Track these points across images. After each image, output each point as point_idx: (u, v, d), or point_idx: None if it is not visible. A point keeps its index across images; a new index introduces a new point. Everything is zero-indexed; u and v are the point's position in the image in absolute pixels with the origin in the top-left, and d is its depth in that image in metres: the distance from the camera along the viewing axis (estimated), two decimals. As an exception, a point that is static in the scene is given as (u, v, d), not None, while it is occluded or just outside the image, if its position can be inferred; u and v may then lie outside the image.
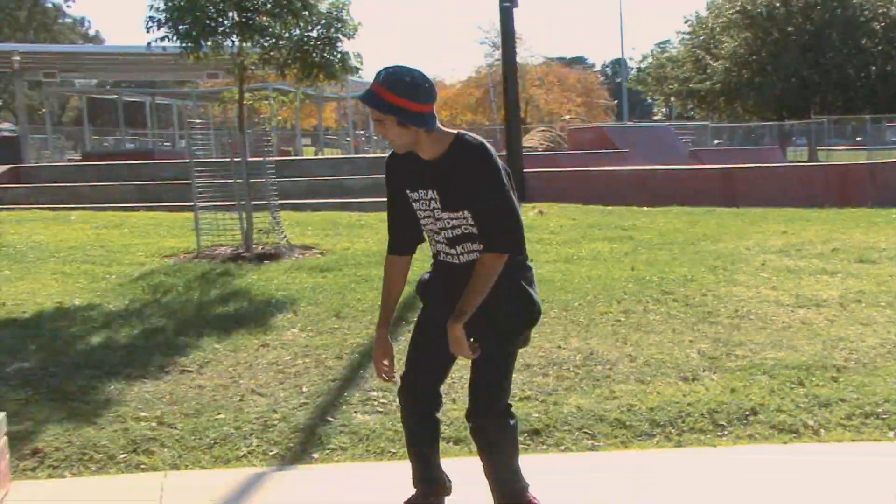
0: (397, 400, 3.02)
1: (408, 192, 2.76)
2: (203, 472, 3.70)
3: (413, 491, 2.99)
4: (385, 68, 2.72)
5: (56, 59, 23.33)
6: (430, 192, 2.73)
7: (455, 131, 2.79)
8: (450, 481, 3.06)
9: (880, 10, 35.66)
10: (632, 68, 54.22)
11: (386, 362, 2.92)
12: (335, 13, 7.86)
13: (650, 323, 5.62)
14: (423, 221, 2.80)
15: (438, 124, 2.73)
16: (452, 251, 2.80)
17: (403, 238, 2.88)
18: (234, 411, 4.20)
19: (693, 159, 19.96)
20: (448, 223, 2.76)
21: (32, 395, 4.44)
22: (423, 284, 2.94)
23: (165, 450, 3.82)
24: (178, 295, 6.71)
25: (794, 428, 3.94)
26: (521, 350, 2.90)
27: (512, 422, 2.93)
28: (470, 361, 2.85)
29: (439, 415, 3.00)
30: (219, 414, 4.16)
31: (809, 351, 4.97)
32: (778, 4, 35.53)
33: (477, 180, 2.66)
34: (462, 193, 2.70)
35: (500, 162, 2.69)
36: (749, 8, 36.17)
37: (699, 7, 65.51)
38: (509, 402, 2.94)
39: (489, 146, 2.73)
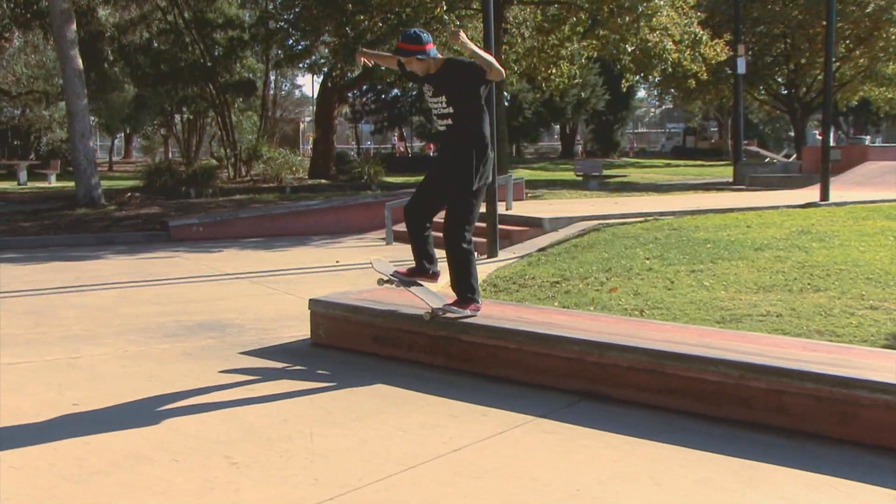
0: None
1: (426, 89, 5.89)
2: None
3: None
4: (400, 34, 5.93)
5: None
6: (428, 87, 5.85)
7: (445, 57, 5.86)
8: (438, 271, 6.18)
9: None
10: None
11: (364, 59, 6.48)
12: None
13: None
14: (433, 109, 5.90)
15: (437, 53, 5.79)
16: (439, 121, 5.89)
17: (404, 69, 5.98)
18: None
19: None
20: (434, 104, 5.86)
21: None
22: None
23: None
24: None
25: None
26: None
27: (465, 246, 5.90)
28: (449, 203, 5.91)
29: (428, 231, 6.05)
30: None
31: None
32: None
33: (462, 74, 5.67)
34: (446, 86, 5.74)
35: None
36: None
37: None
38: (467, 233, 5.87)
39: (464, 58, 5.82)
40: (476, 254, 12.04)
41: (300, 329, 7.22)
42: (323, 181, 26.72)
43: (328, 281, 10.07)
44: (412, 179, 27.94)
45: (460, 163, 5.80)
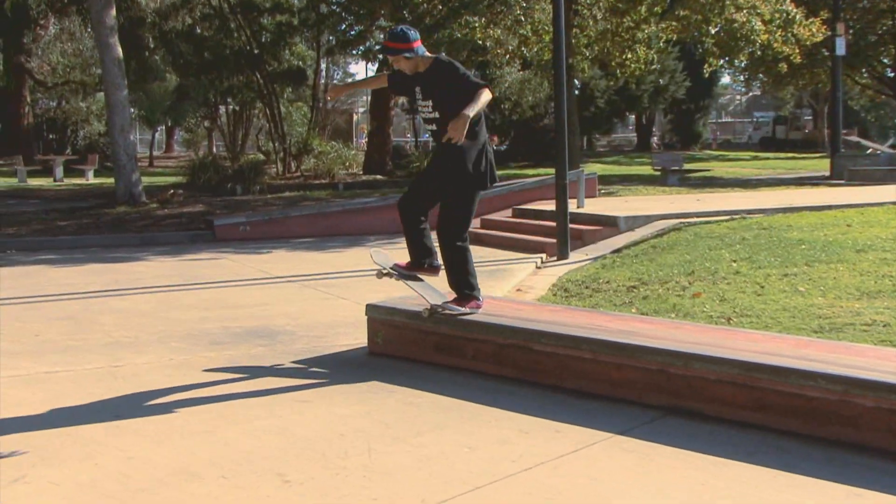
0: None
1: (416, 91, 6.22)
2: None
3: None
4: (387, 32, 6.41)
5: None
6: (417, 89, 6.20)
7: (434, 55, 6.23)
8: (438, 264, 6.44)
9: None
10: None
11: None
12: None
13: None
14: (420, 112, 6.32)
15: (425, 51, 6.17)
16: (427, 126, 6.40)
17: (393, 82, 6.62)
18: None
19: None
20: (422, 107, 6.23)
21: None
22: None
23: None
24: None
25: None
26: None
27: (460, 244, 6.26)
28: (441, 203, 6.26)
29: (424, 225, 6.35)
30: None
31: None
32: None
33: (450, 79, 5.99)
34: (434, 89, 6.09)
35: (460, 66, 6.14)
36: None
37: None
38: (464, 232, 6.27)
39: (454, 61, 6.17)
40: (545, 255, 12.10)
41: (356, 336, 7.27)
42: (378, 177, 26.88)
43: (386, 285, 10.07)
44: (474, 175, 27.92)
45: (461, 164, 6.13)
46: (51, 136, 43.32)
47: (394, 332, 6.73)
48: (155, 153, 49.18)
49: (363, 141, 44.91)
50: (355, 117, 59.57)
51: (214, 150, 44.68)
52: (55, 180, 29.98)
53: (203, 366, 6.52)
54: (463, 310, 6.35)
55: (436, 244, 6.43)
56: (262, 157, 30.48)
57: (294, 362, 6.63)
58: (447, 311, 6.35)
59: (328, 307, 8.85)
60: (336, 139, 34.74)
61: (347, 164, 27.83)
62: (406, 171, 26.64)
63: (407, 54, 6.12)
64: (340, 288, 9.97)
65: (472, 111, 5.78)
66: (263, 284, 10.54)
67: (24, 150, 34.66)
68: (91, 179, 30.51)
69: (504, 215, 15.76)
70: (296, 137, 29.71)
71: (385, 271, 6.57)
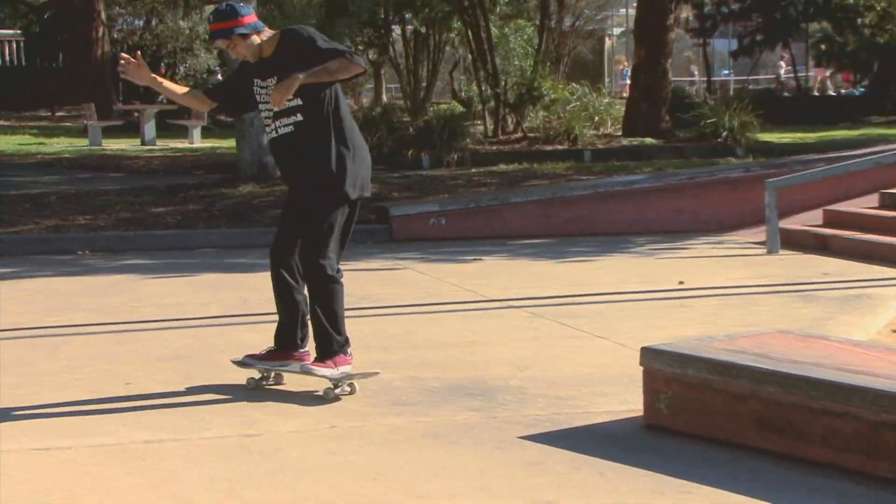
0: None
1: (256, 81, 7.45)
2: None
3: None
4: (211, 13, 7.66)
5: None
6: (270, 80, 7.25)
7: (281, 30, 7.60)
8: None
9: None
10: None
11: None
12: None
13: None
14: (260, 106, 7.50)
15: (266, 28, 7.48)
16: (274, 124, 7.36)
17: (224, 94, 8.21)
18: None
19: None
20: (261, 93, 7.33)
21: None
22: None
23: None
24: None
25: None
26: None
27: (323, 276, 7.33)
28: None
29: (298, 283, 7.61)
30: None
31: None
32: None
33: (302, 49, 7.16)
34: (278, 65, 7.18)
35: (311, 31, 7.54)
36: None
37: None
38: (325, 263, 7.34)
39: (300, 27, 7.80)
40: None
41: (623, 399, 7.31)
42: (648, 140, 26.70)
43: (666, 316, 10.08)
44: (810, 136, 27.26)
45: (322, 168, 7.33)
46: (137, 76, 44.72)
47: (687, 395, 6.67)
48: (293, 101, 50.29)
49: (624, 83, 44.86)
50: (608, 43, 59.51)
51: (385, 96, 45.50)
52: (144, 143, 30.64)
53: (383, 439, 6.65)
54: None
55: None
56: (460, 108, 30.75)
57: (524, 437, 6.67)
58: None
59: (576, 350, 8.87)
60: (578, 79, 34.71)
61: (598, 119, 27.80)
62: (695, 130, 26.38)
63: (239, 30, 7.24)
64: (594, 320, 9.98)
65: (305, 75, 6.95)
66: (470, 311, 10.67)
67: (97, 96, 34.46)
68: (198, 142, 31.16)
69: (865, 204, 15.41)
70: (514, 77, 29.80)
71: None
